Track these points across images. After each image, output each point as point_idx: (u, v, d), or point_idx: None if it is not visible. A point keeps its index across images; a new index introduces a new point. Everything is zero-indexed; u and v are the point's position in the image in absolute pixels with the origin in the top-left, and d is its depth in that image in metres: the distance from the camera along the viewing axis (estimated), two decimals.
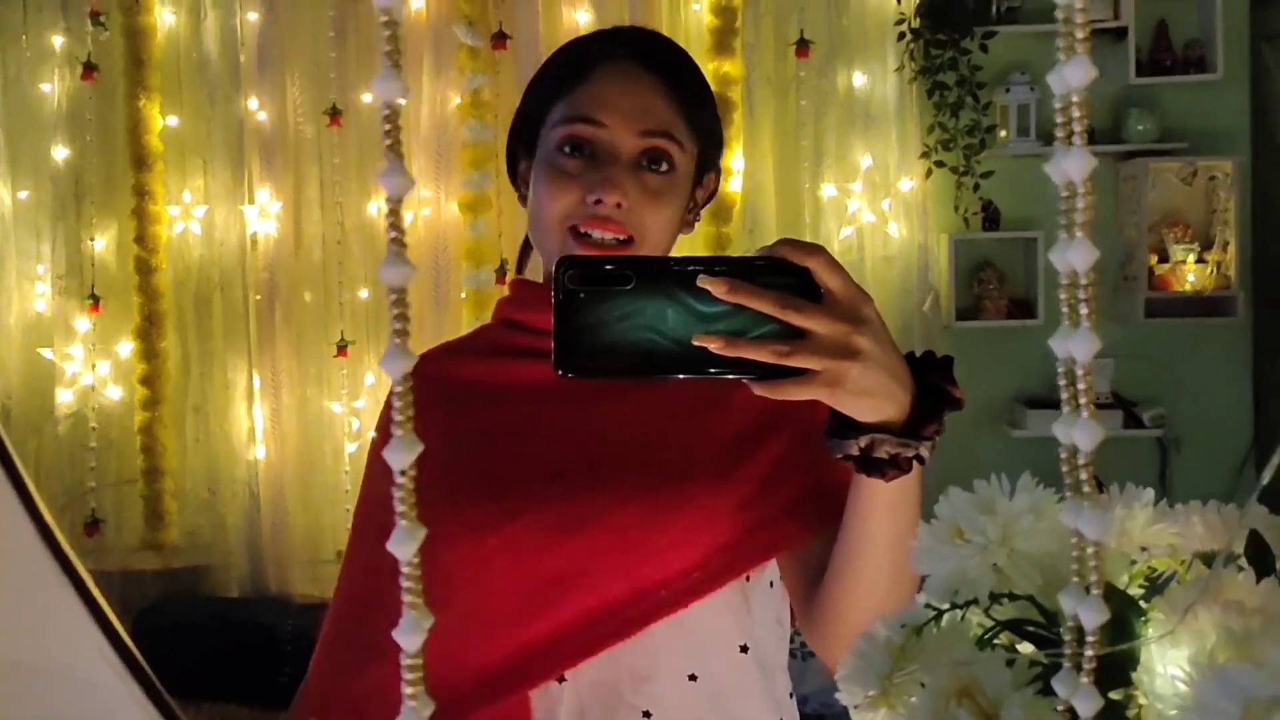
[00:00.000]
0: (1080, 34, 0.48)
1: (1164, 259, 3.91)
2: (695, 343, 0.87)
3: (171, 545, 3.98)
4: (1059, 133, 0.50)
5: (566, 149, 1.24)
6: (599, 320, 0.88)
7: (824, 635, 1.17)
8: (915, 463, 0.97)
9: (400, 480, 0.46)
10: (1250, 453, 3.87)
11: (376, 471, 1.35)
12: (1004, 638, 0.62)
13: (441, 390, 1.34)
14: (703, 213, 1.37)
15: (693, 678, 1.22)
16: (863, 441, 0.95)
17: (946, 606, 0.63)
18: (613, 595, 1.21)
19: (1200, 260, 3.88)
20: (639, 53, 1.27)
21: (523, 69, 3.79)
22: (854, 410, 0.93)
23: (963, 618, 0.63)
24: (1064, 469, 0.51)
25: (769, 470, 1.23)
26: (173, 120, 4.00)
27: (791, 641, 1.34)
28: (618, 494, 1.21)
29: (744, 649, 1.25)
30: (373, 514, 1.34)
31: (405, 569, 0.47)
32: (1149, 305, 3.86)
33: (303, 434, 4.00)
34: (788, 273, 0.90)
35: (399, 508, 0.46)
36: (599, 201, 1.20)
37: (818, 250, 0.90)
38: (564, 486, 1.23)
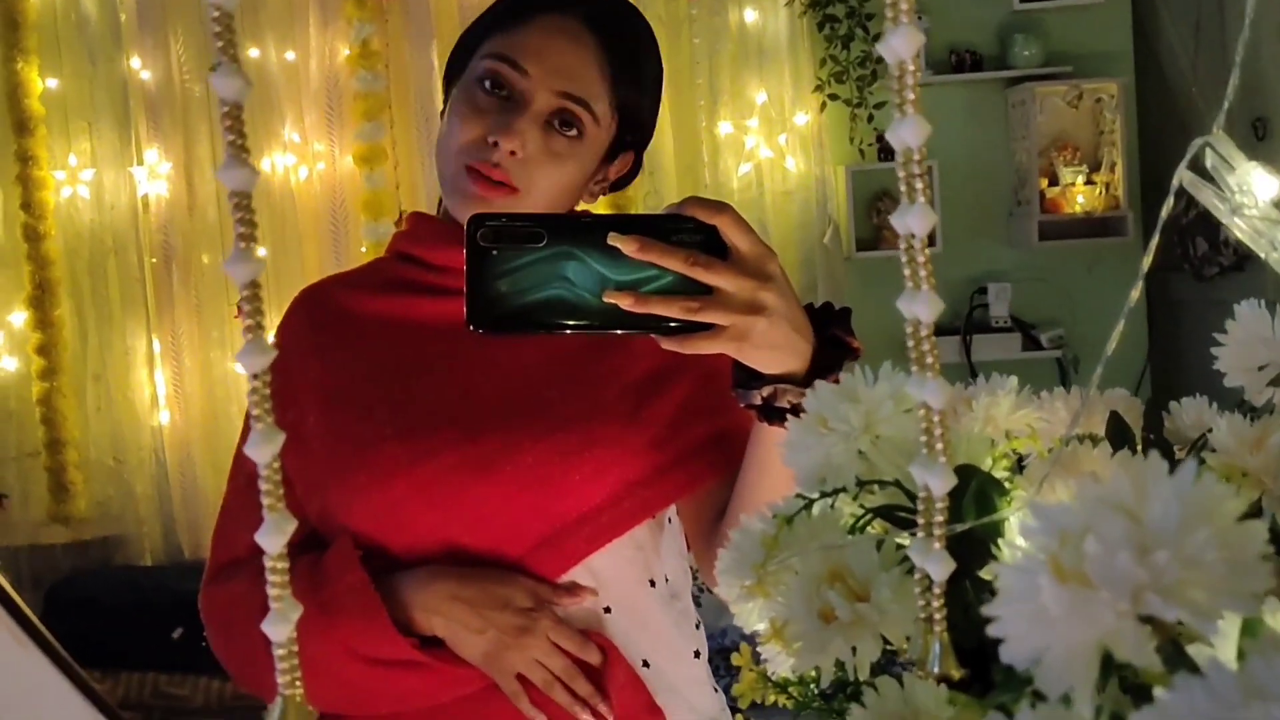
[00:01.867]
0: (905, 4, 0.49)
1: (1054, 182, 3.98)
2: (606, 299, 0.89)
3: (80, 517, 3.92)
4: (893, 99, 0.51)
5: (486, 84, 1.23)
6: (511, 276, 0.90)
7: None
8: None
9: (254, 384, 0.46)
10: (1146, 367, 3.97)
11: (278, 386, 1.34)
12: (876, 525, 0.64)
13: (337, 321, 1.33)
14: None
15: (608, 610, 1.25)
16: (765, 391, 0.98)
17: (816, 496, 0.64)
18: (528, 535, 1.23)
19: (1089, 182, 3.95)
20: (591, 14, 1.26)
21: (413, 16, 3.75)
22: (759, 363, 0.97)
23: (832, 506, 0.64)
24: (910, 344, 0.53)
25: (675, 412, 1.25)
26: (53, 83, 3.89)
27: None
28: (527, 434, 1.22)
29: (652, 583, 1.28)
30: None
31: (263, 472, 0.47)
32: (1042, 228, 3.92)
33: (207, 397, 3.96)
34: (695, 230, 0.92)
35: (254, 411, 0.46)
36: (495, 144, 1.20)
37: (725, 208, 0.93)
38: (472, 427, 1.24)
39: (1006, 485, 0.65)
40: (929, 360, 0.51)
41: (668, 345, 0.92)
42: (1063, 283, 4.08)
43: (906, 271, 0.52)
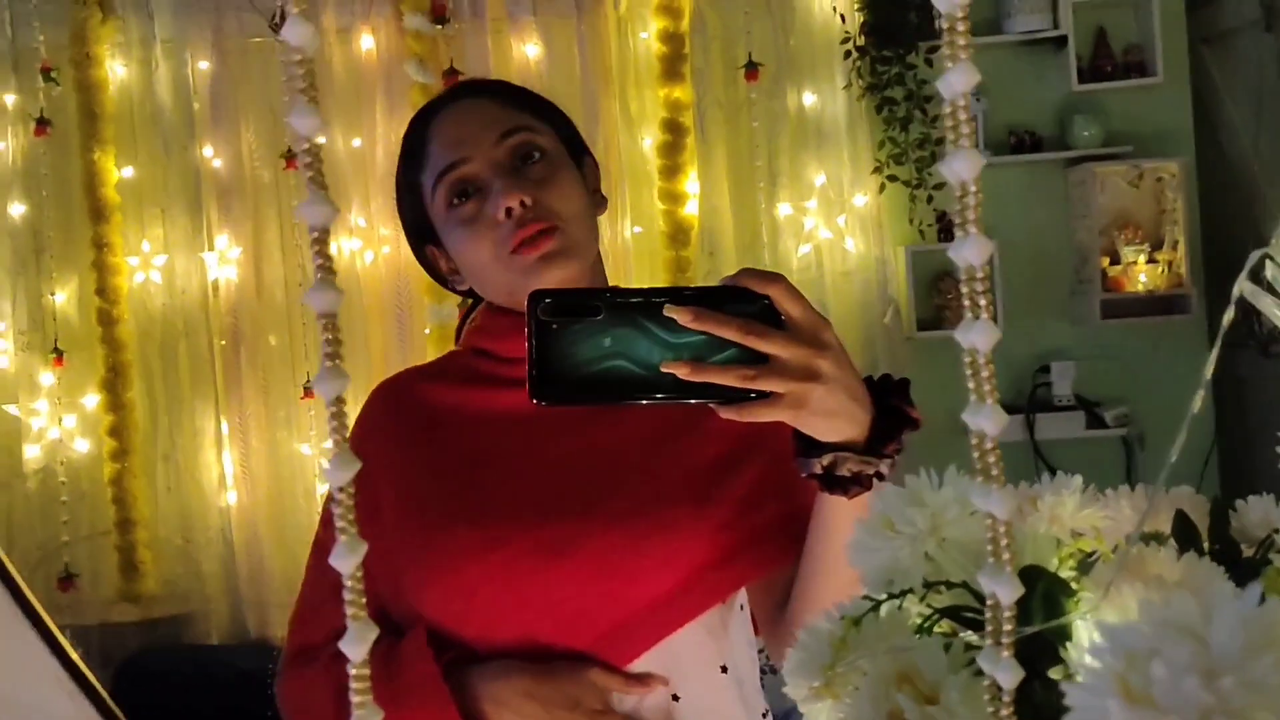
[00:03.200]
0: (962, 40, 0.50)
1: (1116, 261, 3.96)
2: (663, 369, 0.91)
3: (149, 595, 3.96)
4: (949, 135, 0.53)
5: (455, 201, 1.29)
6: (571, 350, 0.92)
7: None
8: (876, 479, 1.01)
9: (339, 496, 0.48)
10: (1214, 446, 3.92)
11: (359, 473, 1.36)
12: (944, 625, 0.65)
13: (416, 412, 1.36)
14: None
15: (676, 698, 1.25)
16: (826, 459, 0.99)
17: (883, 597, 0.65)
18: (600, 621, 1.23)
19: (1152, 260, 3.93)
20: (458, 92, 1.35)
21: None
22: (817, 430, 0.98)
23: (900, 607, 0.65)
24: (974, 455, 0.54)
25: (746, 493, 1.26)
26: (128, 171, 3.99)
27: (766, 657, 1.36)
28: (598, 520, 1.24)
29: (724, 669, 1.28)
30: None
31: (347, 582, 0.49)
32: (1105, 307, 3.90)
33: (273, 477, 4.00)
34: (750, 300, 0.94)
35: (338, 523, 0.48)
36: (508, 211, 1.24)
37: (778, 279, 0.95)
38: (545, 514, 1.25)
39: (1073, 585, 0.65)
40: (994, 471, 0.52)
41: (725, 414, 0.93)
42: (1126, 361, 4.05)
43: (971, 385, 0.53)
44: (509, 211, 1.24)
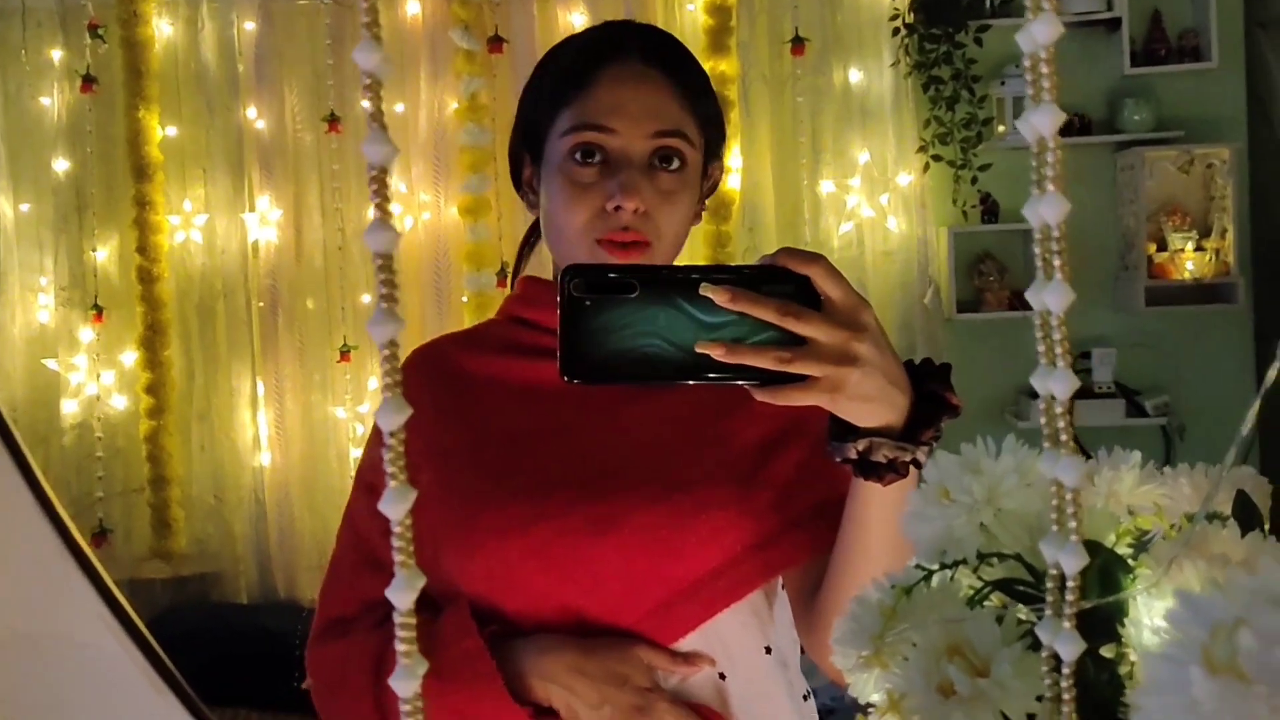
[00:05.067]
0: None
1: (1163, 247, 3.92)
2: (698, 349, 0.89)
3: (180, 553, 3.99)
4: (1029, 90, 0.51)
5: (578, 156, 1.23)
6: (604, 327, 0.90)
7: (820, 643, 1.19)
8: (912, 467, 0.98)
9: (390, 441, 0.47)
10: (1255, 437, 3.87)
11: (376, 444, 1.36)
12: (995, 598, 0.63)
13: (454, 380, 1.34)
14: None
15: (723, 676, 1.24)
16: (861, 445, 0.97)
17: (935, 567, 0.64)
18: (645, 599, 1.22)
19: (1199, 248, 3.88)
20: (641, 49, 1.26)
21: (519, 72, 3.81)
22: (853, 415, 0.95)
23: (952, 578, 0.64)
24: (1042, 420, 0.52)
25: (793, 474, 1.24)
26: (172, 130, 4.01)
27: None
28: (644, 496, 1.22)
29: (769, 650, 1.26)
30: (373, 484, 1.35)
31: (396, 529, 0.48)
32: (1149, 294, 3.86)
33: (307, 440, 4.02)
34: (788, 281, 0.91)
35: (389, 469, 0.47)
36: (618, 209, 1.20)
37: (817, 259, 0.92)
38: (589, 489, 1.23)
39: (1130, 563, 0.64)
40: (1063, 437, 0.50)
41: (760, 396, 0.91)
42: (1169, 349, 4.01)
43: (1042, 348, 0.51)
44: (620, 209, 1.21)
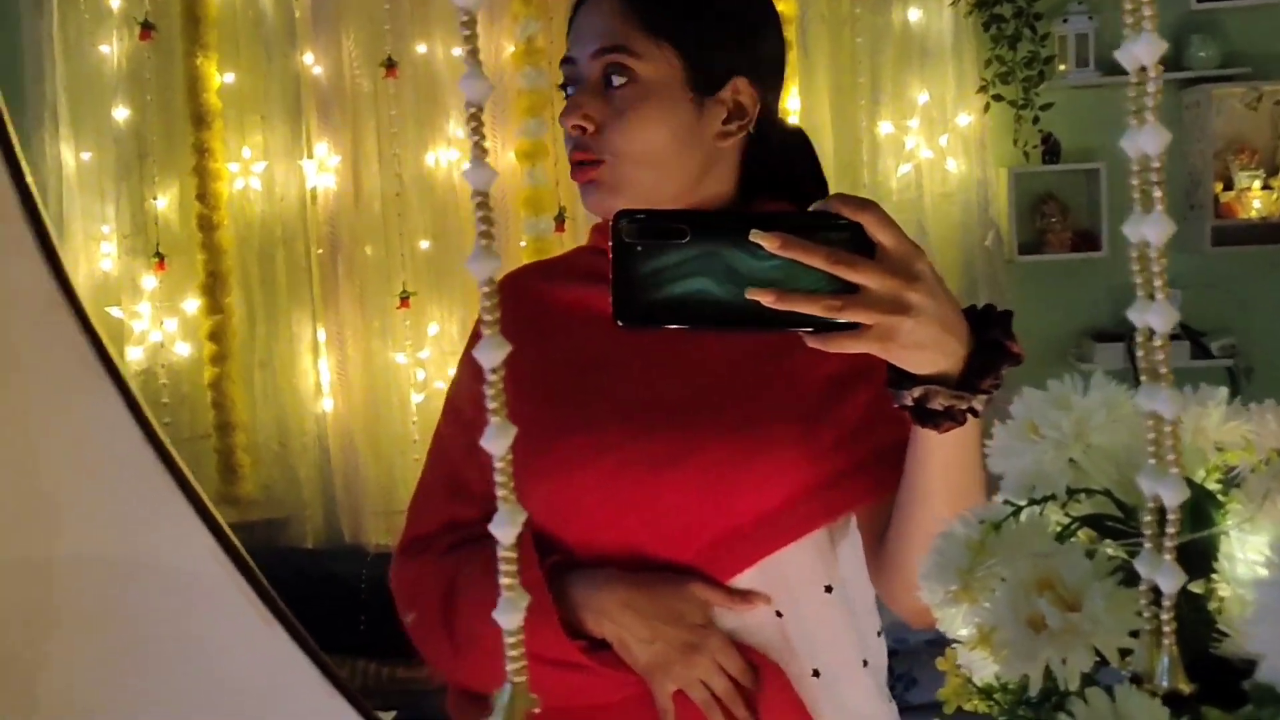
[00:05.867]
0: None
1: (1229, 186, 3.85)
2: (748, 295, 0.88)
3: (247, 499, 4.04)
4: (1126, 19, 0.50)
5: (564, 87, 1.28)
6: (655, 272, 0.90)
7: (888, 584, 1.20)
8: (970, 415, 0.98)
9: (490, 378, 0.48)
10: None
11: (467, 373, 1.39)
12: (1082, 535, 0.63)
13: (531, 310, 1.35)
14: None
15: (779, 614, 1.24)
16: (916, 392, 0.96)
17: (1024, 502, 0.64)
18: (704, 534, 1.23)
19: (1266, 187, 3.82)
20: None
21: None
22: (907, 363, 0.95)
23: (1041, 513, 0.64)
24: (1139, 353, 0.52)
25: (861, 415, 1.23)
26: (230, 77, 4.02)
27: None
28: (707, 432, 1.22)
29: (829, 589, 1.26)
30: (460, 410, 1.38)
31: (498, 464, 0.48)
32: (1215, 234, 3.81)
33: (369, 386, 4.04)
34: (841, 228, 0.91)
35: (490, 404, 0.48)
36: (574, 129, 1.24)
37: (870, 205, 0.91)
38: (654, 423, 1.24)
39: (1220, 499, 0.64)
40: (1162, 370, 0.50)
41: (812, 343, 0.91)
42: (1235, 290, 3.95)
43: (1139, 280, 0.51)
44: (576, 129, 1.24)
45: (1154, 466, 0.51)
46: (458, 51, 3.93)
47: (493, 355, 0.47)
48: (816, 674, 1.25)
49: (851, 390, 1.23)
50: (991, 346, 0.97)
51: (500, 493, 0.48)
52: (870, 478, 1.21)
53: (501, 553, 0.48)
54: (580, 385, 1.28)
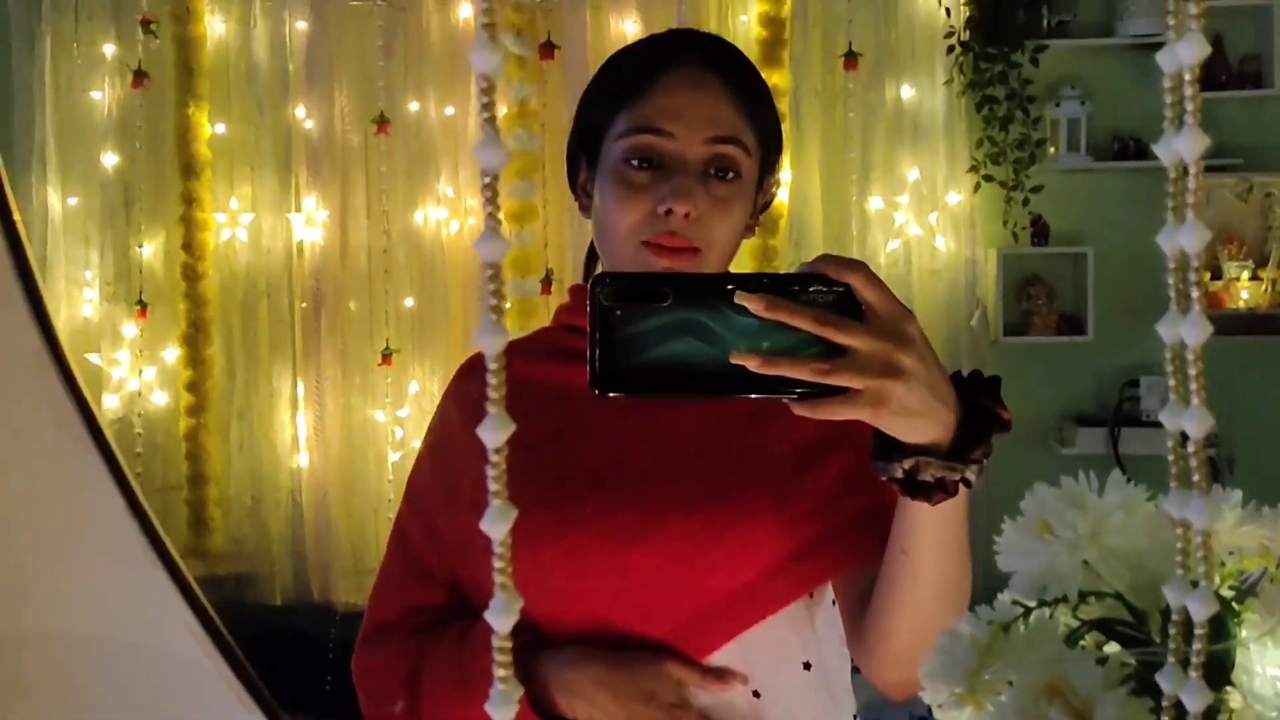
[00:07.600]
0: (1194, 9, 0.46)
1: (1217, 276, 3.87)
2: (733, 361, 0.84)
3: (216, 552, 3.99)
4: (1167, 113, 0.49)
5: (634, 161, 1.21)
6: (634, 337, 0.85)
7: (871, 656, 1.16)
8: (962, 486, 0.94)
9: (494, 459, 0.45)
10: None
11: (431, 457, 1.36)
12: (1089, 638, 0.61)
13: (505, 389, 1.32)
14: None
15: (757, 694, 1.21)
16: (907, 464, 0.92)
17: (1034, 604, 0.61)
18: (676, 611, 1.20)
19: (1255, 277, 3.84)
20: (702, 57, 1.24)
21: (570, 79, 3.79)
22: (898, 430, 0.91)
23: (1051, 615, 0.61)
24: (1171, 457, 0.50)
25: (833, 485, 1.21)
26: (221, 128, 4.02)
27: None
28: (678, 504, 1.20)
29: (807, 666, 1.23)
30: (421, 494, 1.33)
31: (497, 549, 0.46)
32: None
33: (346, 442, 4.01)
34: (828, 289, 0.87)
35: (492, 486, 0.46)
36: (669, 212, 1.17)
37: (858, 266, 0.88)
38: (624, 496, 1.21)
39: (1235, 606, 0.61)
40: (1196, 477, 0.48)
41: (799, 410, 0.87)
42: (1220, 380, 3.94)
43: (1172, 382, 0.49)
44: (670, 212, 1.18)
45: (1180, 578, 0.48)
46: (450, 111, 3.93)
47: (496, 435, 0.45)
48: None
49: (824, 458, 1.21)
50: (980, 414, 0.94)
51: (499, 579, 0.45)
52: (846, 546, 1.18)
53: (496, 642, 0.45)
54: (545, 461, 1.25)
